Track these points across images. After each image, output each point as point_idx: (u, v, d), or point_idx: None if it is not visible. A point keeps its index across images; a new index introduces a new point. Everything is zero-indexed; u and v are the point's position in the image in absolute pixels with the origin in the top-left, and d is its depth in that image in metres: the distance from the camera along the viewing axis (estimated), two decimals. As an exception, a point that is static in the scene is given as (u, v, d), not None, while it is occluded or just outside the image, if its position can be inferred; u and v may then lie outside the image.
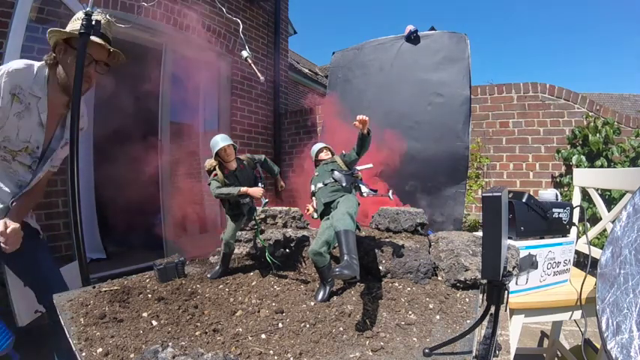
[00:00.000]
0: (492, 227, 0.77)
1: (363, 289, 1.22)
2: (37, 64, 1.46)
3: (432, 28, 2.72)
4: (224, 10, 2.37)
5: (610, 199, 2.92)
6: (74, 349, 0.89)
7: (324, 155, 1.47)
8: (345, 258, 1.02)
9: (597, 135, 3.30)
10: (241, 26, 2.11)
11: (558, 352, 2.06)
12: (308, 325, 0.98)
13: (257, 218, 1.45)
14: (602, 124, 3.34)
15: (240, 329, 0.97)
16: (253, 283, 1.30)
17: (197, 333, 0.95)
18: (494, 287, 0.81)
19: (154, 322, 1.01)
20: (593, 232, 1.94)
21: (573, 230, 1.72)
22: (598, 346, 1.62)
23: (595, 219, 2.50)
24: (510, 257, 1.22)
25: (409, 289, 1.22)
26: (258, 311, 1.08)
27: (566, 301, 1.52)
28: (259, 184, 1.36)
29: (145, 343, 0.90)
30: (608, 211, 1.83)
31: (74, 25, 1.45)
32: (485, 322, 0.90)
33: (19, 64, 1.40)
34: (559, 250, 1.57)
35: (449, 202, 2.42)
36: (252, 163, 1.41)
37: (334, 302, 1.12)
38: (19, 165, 1.50)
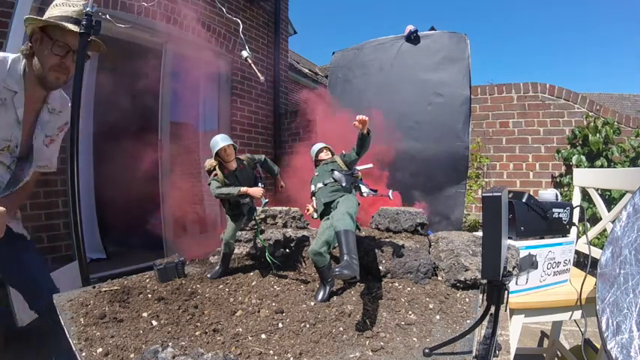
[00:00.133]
0: (492, 227, 0.77)
1: (363, 289, 1.22)
2: (11, 56, 1.34)
3: (432, 28, 2.72)
4: (224, 10, 2.37)
5: (610, 199, 2.92)
6: (74, 349, 0.89)
7: (324, 155, 1.47)
8: (345, 258, 1.02)
9: (597, 135, 3.30)
10: (241, 26, 2.11)
11: (558, 352, 2.06)
12: (308, 325, 0.98)
13: (257, 218, 1.45)
14: (602, 124, 3.34)
15: (240, 329, 0.97)
16: (253, 283, 1.30)
17: (197, 333, 0.95)
18: (494, 287, 0.81)
19: (154, 322, 1.01)
20: (593, 232, 1.94)
21: (573, 230, 1.72)
22: (598, 346, 1.62)
23: (595, 219, 2.50)
24: (510, 257, 1.22)
25: (409, 289, 1.22)
26: (258, 311, 1.08)
27: (566, 301, 1.52)
28: (259, 184, 1.36)
29: (145, 343, 0.90)
30: (608, 211, 1.83)
31: (52, 11, 1.34)
32: (485, 322, 0.90)
33: None
34: (559, 250, 1.57)
35: (449, 202, 2.42)
36: (252, 163, 1.41)
37: (334, 302, 1.12)
38: None
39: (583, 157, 3.36)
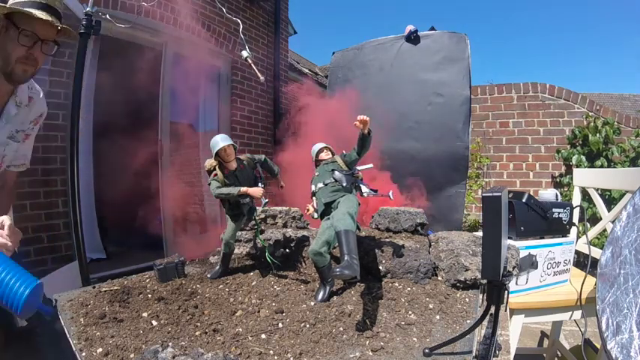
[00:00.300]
0: (492, 227, 0.77)
1: (363, 289, 1.22)
2: None
3: (432, 28, 2.72)
4: (224, 10, 2.37)
5: (610, 199, 2.92)
6: (74, 349, 0.89)
7: (325, 155, 1.47)
8: (346, 258, 1.02)
9: (597, 135, 3.30)
10: (241, 26, 2.11)
11: (558, 352, 2.06)
12: (308, 325, 0.98)
13: (257, 218, 1.45)
14: (602, 124, 3.34)
15: (240, 329, 0.97)
16: (253, 283, 1.30)
17: (197, 333, 0.95)
18: (494, 287, 0.81)
19: (154, 322, 1.01)
20: (593, 232, 1.94)
21: (573, 230, 1.72)
22: (598, 346, 1.61)
23: (595, 219, 2.50)
24: (510, 257, 1.23)
25: (409, 289, 1.22)
26: (258, 311, 1.08)
27: (566, 301, 1.52)
28: (259, 184, 1.36)
29: (145, 343, 0.90)
30: (608, 211, 1.83)
31: None
32: (485, 322, 0.90)
33: None
34: (559, 250, 1.57)
35: (449, 202, 2.42)
36: (252, 163, 1.41)
37: (334, 302, 1.12)
38: None
39: (583, 157, 3.36)
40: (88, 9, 1.82)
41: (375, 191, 1.35)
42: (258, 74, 1.92)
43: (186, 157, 3.99)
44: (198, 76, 3.76)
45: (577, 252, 1.74)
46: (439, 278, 1.29)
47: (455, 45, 2.47)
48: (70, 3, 2.36)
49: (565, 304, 1.53)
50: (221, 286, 1.29)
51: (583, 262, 1.79)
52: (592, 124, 3.36)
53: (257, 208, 1.46)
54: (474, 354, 0.85)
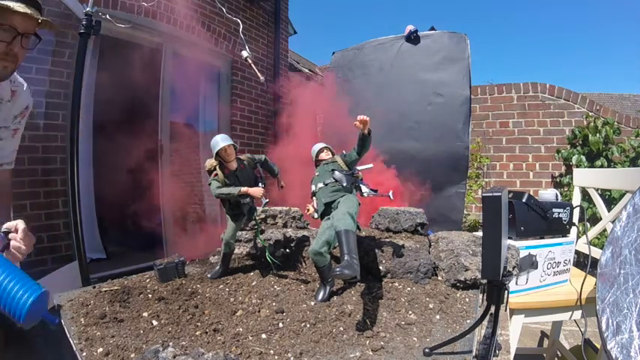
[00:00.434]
0: (492, 227, 0.77)
1: (363, 289, 1.22)
2: None
3: (432, 28, 2.72)
4: (224, 10, 2.37)
5: (610, 199, 2.92)
6: (75, 349, 0.90)
7: (325, 155, 1.47)
8: (346, 258, 1.02)
9: (597, 135, 3.30)
10: (241, 26, 2.11)
11: (558, 352, 2.06)
12: (308, 325, 0.98)
13: (257, 218, 1.46)
14: (602, 124, 3.34)
15: (241, 329, 0.97)
16: (253, 283, 1.30)
17: (197, 333, 0.95)
18: (494, 287, 0.82)
19: (155, 322, 1.01)
20: (593, 232, 1.94)
21: (573, 230, 1.72)
22: (598, 346, 1.61)
23: (595, 219, 2.50)
24: (510, 257, 1.23)
25: (409, 289, 1.22)
26: (259, 311, 1.08)
27: (566, 301, 1.52)
28: (259, 184, 1.36)
29: (146, 342, 0.90)
30: (608, 211, 1.83)
31: None
32: (485, 322, 0.90)
33: None
34: (559, 250, 1.57)
35: (449, 202, 2.42)
36: (252, 163, 1.41)
37: (334, 302, 1.12)
38: None
39: (583, 157, 3.36)
40: (88, 9, 1.83)
41: (375, 191, 1.36)
42: (258, 74, 1.93)
43: (186, 157, 3.99)
44: (198, 76, 3.76)
45: (577, 252, 1.74)
46: (439, 278, 1.29)
47: (455, 45, 2.47)
48: (70, 3, 2.36)
49: (565, 304, 1.53)
50: (221, 286, 1.29)
51: (583, 262, 1.79)
52: (592, 124, 3.36)
53: (257, 208, 1.46)
54: (474, 354, 0.85)
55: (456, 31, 2.49)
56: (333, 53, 2.99)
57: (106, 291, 1.22)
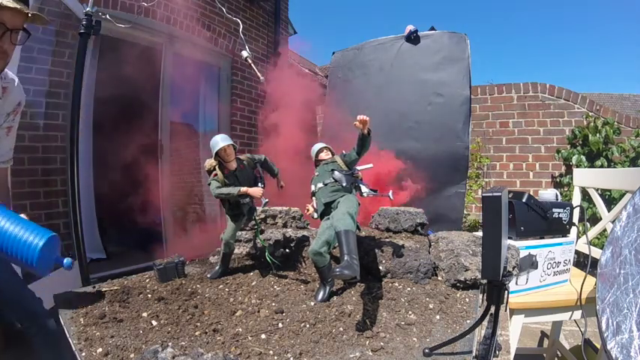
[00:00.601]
0: (492, 227, 0.77)
1: (363, 289, 1.22)
2: None
3: (432, 28, 2.72)
4: (224, 10, 2.37)
5: (610, 199, 2.92)
6: (74, 349, 0.89)
7: (324, 155, 1.47)
8: (346, 258, 1.02)
9: (597, 135, 3.29)
10: (241, 26, 2.11)
11: (558, 352, 2.06)
12: (308, 325, 0.98)
13: (257, 218, 1.45)
14: (602, 124, 3.33)
15: (240, 329, 0.97)
16: (253, 283, 1.30)
17: (197, 333, 0.95)
18: (494, 287, 0.81)
19: (154, 322, 1.01)
20: (593, 232, 1.94)
21: (573, 230, 1.71)
22: (598, 346, 1.61)
23: (595, 219, 2.50)
24: (510, 257, 1.22)
25: (409, 289, 1.22)
26: (258, 311, 1.08)
27: (566, 301, 1.52)
28: (259, 184, 1.36)
29: (145, 343, 0.90)
30: (608, 211, 1.83)
31: None
32: (485, 322, 0.90)
33: None
34: (559, 250, 1.57)
35: (449, 202, 2.42)
36: (252, 163, 1.41)
37: (334, 302, 1.12)
38: None
39: (583, 157, 3.36)
40: (88, 9, 1.82)
41: (375, 191, 1.35)
42: (258, 74, 1.93)
43: (186, 157, 3.99)
44: (198, 76, 3.76)
45: (577, 252, 1.74)
46: (439, 278, 1.29)
47: (455, 45, 2.47)
48: (70, 3, 2.36)
49: (565, 304, 1.53)
50: (221, 286, 1.29)
51: (583, 262, 1.79)
52: (592, 124, 3.36)
53: (257, 208, 1.46)
54: (474, 354, 0.85)
55: (456, 31, 2.49)
56: (333, 53, 2.99)
57: (105, 291, 1.22)
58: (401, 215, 1.57)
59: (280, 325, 0.99)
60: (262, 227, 1.59)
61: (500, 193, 0.75)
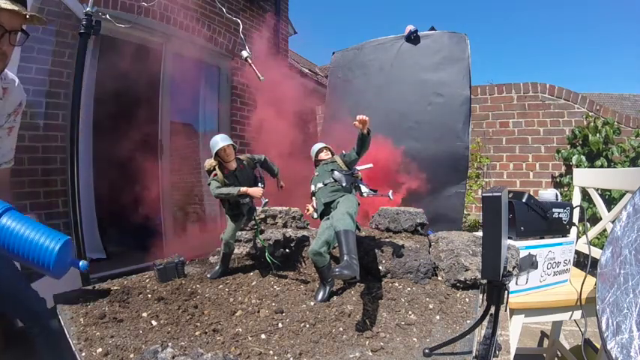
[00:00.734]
0: (492, 227, 0.77)
1: (363, 289, 1.22)
2: None
3: (432, 28, 2.71)
4: (224, 10, 2.37)
5: (610, 199, 2.92)
6: (74, 349, 0.89)
7: (324, 155, 1.47)
8: (345, 258, 1.02)
9: (597, 135, 3.29)
10: (241, 26, 2.11)
11: (558, 352, 2.06)
12: (308, 325, 0.98)
13: (257, 218, 1.45)
14: (602, 124, 3.33)
15: (240, 329, 0.97)
16: (253, 283, 1.30)
17: (197, 333, 0.95)
18: (494, 287, 0.81)
19: (154, 322, 1.01)
20: (593, 232, 1.94)
21: (573, 230, 1.71)
22: (598, 346, 1.61)
23: (595, 219, 2.50)
24: (510, 257, 1.22)
25: (409, 289, 1.22)
26: (258, 311, 1.08)
27: (566, 301, 1.52)
28: (259, 184, 1.36)
29: (145, 343, 0.90)
30: (608, 211, 1.83)
31: None
32: (485, 322, 0.90)
33: None
34: (559, 250, 1.57)
35: (449, 202, 2.42)
36: (252, 163, 1.41)
37: (334, 302, 1.12)
38: None
39: (583, 157, 3.36)
40: (88, 9, 1.82)
41: (375, 191, 1.35)
42: (258, 74, 1.92)
43: (186, 157, 3.99)
44: (197, 76, 3.76)
45: (577, 252, 1.74)
46: (439, 278, 1.29)
47: (455, 45, 2.47)
48: (70, 3, 2.36)
49: (565, 304, 1.53)
50: (221, 286, 1.29)
51: (583, 262, 1.79)
52: (592, 124, 3.36)
53: (257, 208, 1.46)
54: (474, 354, 0.85)
55: (456, 31, 2.49)
56: (333, 53, 2.99)
57: (105, 291, 1.22)
58: (401, 215, 1.57)
59: (280, 325, 0.99)
60: (262, 227, 1.59)
61: (500, 193, 0.75)
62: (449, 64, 2.47)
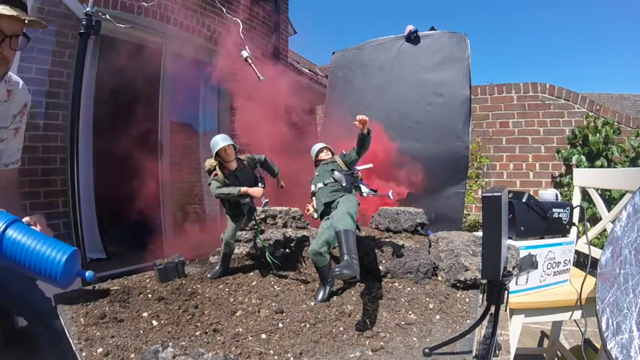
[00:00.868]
0: (492, 227, 0.77)
1: (363, 289, 1.22)
2: None
3: (432, 28, 2.71)
4: (224, 10, 2.37)
5: (610, 199, 2.92)
6: (74, 349, 0.90)
7: (324, 155, 1.47)
8: (345, 258, 1.02)
9: (597, 135, 3.29)
10: (241, 26, 2.11)
11: (558, 352, 2.06)
12: (308, 325, 0.98)
13: (257, 218, 1.45)
14: (602, 124, 3.33)
15: (241, 329, 0.97)
16: (253, 283, 1.30)
17: (197, 333, 0.95)
18: (494, 287, 0.82)
19: (154, 322, 1.01)
20: (593, 232, 1.94)
21: (573, 230, 1.72)
22: (598, 346, 1.61)
23: (595, 219, 2.50)
24: (510, 257, 1.23)
25: (409, 289, 1.22)
26: (258, 311, 1.08)
27: (566, 301, 1.52)
28: (259, 184, 1.36)
29: (146, 343, 0.90)
30: (608, 211, 1.83)
31: None
32: (485, 322, 0.90)
33: None
34: (559, 250, 1.57)
35: (449, 202, 2.42)
36: (252, 163, 1.41)
37: (334, 302, 1.12)
38: None
39: (583, 157, 3.36)
40: (88, 9, 1.82)
41: (375, 191, 1.35)
42: (258, 74, 1.92)
43: (186, 157, 3.99)
44: (197, 76, 3.76)
45: (577, 252, 1.74)
46: (439, 278, 1.29)
47: (455, 45, 2.47)
48: (70, 3, 2.36)
49: (565, 304, 1.53)
50: (221, 286, 1.29)
51: (583, 262, 1.79)
52: (592, 124, 3.36)
53: (257, 208, 1.46)
54: (474, 354, 0.85)
55: (456, 31, 2.49)
56: (333, 53, 2.99)
57: (105, 291, 1.22)
58: (401, 215, 1.57)
59: (280, 325, 0.99)
60: (262, 227, 1.59)
61: (500, 193, 0.75)
62: (449, 64, 2.47)
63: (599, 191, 2.04)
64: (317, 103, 4.73)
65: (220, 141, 1.29)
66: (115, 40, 2.93)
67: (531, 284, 1.53)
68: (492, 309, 0.84)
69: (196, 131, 3.99)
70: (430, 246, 1.41)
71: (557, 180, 3.61)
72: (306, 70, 6.34)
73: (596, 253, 1.62)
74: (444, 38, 2.52)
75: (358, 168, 1.39)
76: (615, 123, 3.38)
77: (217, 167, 1.31)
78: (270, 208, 1.69)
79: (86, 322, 1.00)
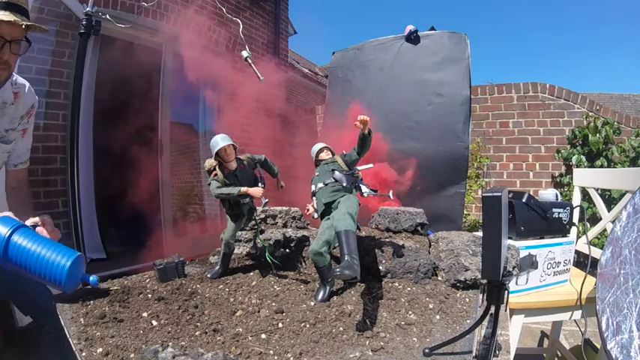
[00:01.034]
0: (492, 227, 0.77)
1: (363, 289, 1.22)
2: None
3: (432, 28, 2.71)
4: (224, 10, 2.37)
5: (610, 199, 2.92)
6: (74, 349, 0.89)
7: (325, 155, 1.47)
8: (346, 258, 1.02)
9: (597, 135, 3.29)
10: (241, 26, 2.11)
11: (558, 352, 2.06)
12: (308, 325, 0.98)
13: (257, 218, 1.45)
14: (602, 124, 3.33)
15: (240, 329, 0.97)
16: (253, 283, 1.30)
17: (197, 333, 0.95)
18: (494, 287, 0.81)
19: (154, 322, 1.01)
20: (593, 232, 1.94)
21: (573, 230, 1.71)
22: (598, 346, 1.61)
23: (595, 219, 2.50)
24: (510, 257, 1.23)
25: (409, 289, 1.22)
26: (258, 311, 1.08)
27: (566, 301, 1.52)
28: (259, 184, 1.36)
29: (145, 343, 0.90)
30: (608, 211, 1.83)
31: None
32: (485, 322, 0.90)
33: None
34: (559, 250, 1.57)
35: (449, 202, 2.42)
36: (252, 163, 1.41)
37: (334, 302, 1.12)
38: None
39: (583, 157, 3.36)
40: (88, 9, 1.83)
41: (375, 191, 1.35)
42: (258, 74, 1.92)
43: (186, 157, 3.99)
44: (197, 75, 3.76)
45: (577, 252, 1.74)
46: (439, 278, 1.29)
47: (455, 45, 2.47)
48: (70, 3, 2.36)
49: (565, 304, 1.53)
50: (221, 286, 1.29)
51: (583, 262, 1.79)
52: (592, 124, 3.36)
53: (257, 208, 1.46)
54: (474, 354, 0.85)
55: (455, 31, 2.49)
56: (333, 53, 2.99)
57: (105, 291, 1.22)
58: (401, 215, 1.57)
59: (280, 325, 0.99)
60: (262, 227, 1.59)
61: (500, 193, 0.75)
62: (449, 64, 2.47)
63: (599, 191, 2.04)
64: (317, 103, 4.73)
65: (220, 141, 1.29)
66: (115, 40, 2.92)
67: (531, 284, 1.52)
68: (492, 309, 0.84)
69: (196, 131, 3.99)
70: (430, 246, 1.41)
71: (557, 180, 3.61)
72: (306, 70, 6.34)
73: (596, 253, 1.62)
74: (443, 38, 2.52)
75: (359, 168, 1.39)
76: (615, 123, 3.38)
77: (217, 167, 1.31)
78: (270, 208, 1.69)
79: (86, 322, 1.00)
